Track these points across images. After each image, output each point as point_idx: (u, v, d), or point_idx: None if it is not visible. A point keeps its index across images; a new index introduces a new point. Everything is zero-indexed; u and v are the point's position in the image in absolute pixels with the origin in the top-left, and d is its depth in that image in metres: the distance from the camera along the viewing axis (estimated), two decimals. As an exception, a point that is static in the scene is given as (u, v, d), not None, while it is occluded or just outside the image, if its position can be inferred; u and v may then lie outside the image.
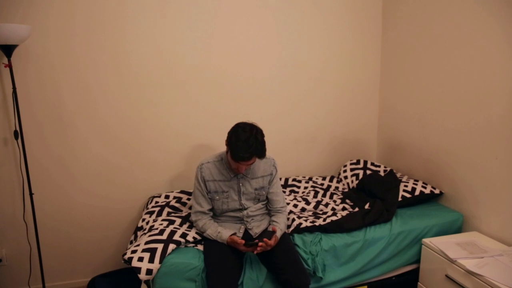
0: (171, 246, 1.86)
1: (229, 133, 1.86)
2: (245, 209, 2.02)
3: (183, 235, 1.96)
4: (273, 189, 2.07)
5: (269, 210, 2.11)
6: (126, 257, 1.81)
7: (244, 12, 2.54)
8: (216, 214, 2.06)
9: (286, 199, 2.43)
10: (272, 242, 1.82)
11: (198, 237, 2.00)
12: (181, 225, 2.08)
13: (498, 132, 2.02)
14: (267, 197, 2.09)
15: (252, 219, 2.05)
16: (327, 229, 2.10)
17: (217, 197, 1.98)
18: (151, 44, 2.41)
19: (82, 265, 2.57)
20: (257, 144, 1.79)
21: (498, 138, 2.02)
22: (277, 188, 2.09)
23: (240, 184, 1.99)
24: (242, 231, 2.01)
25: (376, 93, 3.00)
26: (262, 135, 1.84)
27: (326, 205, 2.42)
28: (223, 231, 1.92)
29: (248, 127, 1.83)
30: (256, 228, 2.04)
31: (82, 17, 2.27)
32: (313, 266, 1.96)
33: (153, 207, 2.35)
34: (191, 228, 2.06)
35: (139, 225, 2.21)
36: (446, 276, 1.90)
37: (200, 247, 1.97)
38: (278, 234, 1.91)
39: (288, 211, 2.29)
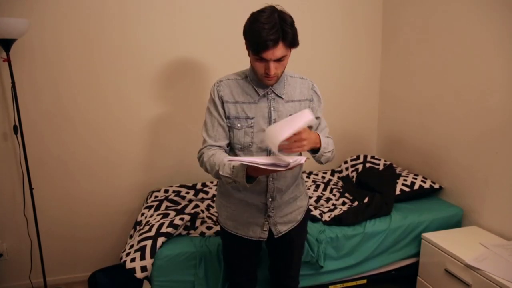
0: (160, 240, 1.87)
1: (246, 23, 1.37)
2: (272, 152, 1.44)
3: (171, 225, 1.95)
4: (320, 116, 1.55)
5: None
6: (122, 261, 1.85)
7: (246, 11, 2.53)
8: (234, 152, 1.51)
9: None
10: (304, 135, 1.27)
11: (187, 218, 2.00)
12: (174, 216, 2.08)
13: (498, 127, 2.01)
14: None
15: (280, 182, 1.50)
16: (329, 222, 2.13)
17: (239, 125, 1.45)
18: (152, 41, 2.40)
19: (83, 259, 2.58)
20: (283, 23, 1.31)
21: (498, 133, 2.01)
22: (321, 116, 1.57)
23: (272, 108, 1.45)
24: (266, 228, 1.55)
25: (376, 86, 2.98)
26: (290, 17, 1.35)
27: (327, 200, 2.42)
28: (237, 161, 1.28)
29: (268, 8, 1.35)
30: (280, 220, 1.55)
31: (80, 11, 2.26)
32: (317, 255, 1.98)
33: (152, 201, 2.35)
34: (180, 214, 2.06)
35: (138, 219, 2.22)
36: (446, 270, 1.91)
37: (194, 233, 1.98)
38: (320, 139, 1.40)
39: None
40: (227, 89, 1.46)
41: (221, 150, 1.46)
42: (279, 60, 1.34)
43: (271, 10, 1.32)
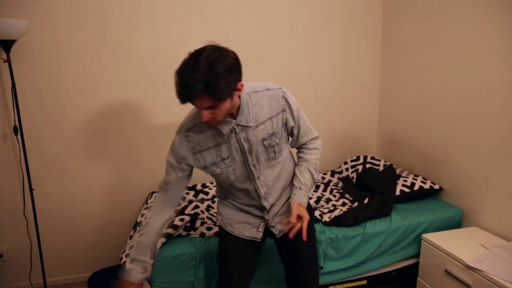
0: (161, 240, 1.87)
1: None
2: (257, 178, 1.45)
3: (171, 225, 1.96)
4: (297, 123, 1.47)
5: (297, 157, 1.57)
6: (121, 261, 1.86)
7: (247, 11, 2.53)
8: (224, 190, 1.56)
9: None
10: (293, 219, 1.36)
11: (187, 218, 2.01)
12: (174, 217, 2.07)
13: (498, 127, 2.01)
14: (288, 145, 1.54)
15: (272, 197, 1.51)
16: (329, 223, 2.13)
17: (218, 170, 1.43)
18: (152, 41, 2.40)
19: (83, 260, 2.58)
20: (210, 73, 1.14)
21: (498, 134, 2.01)
22: (300, 122, 1.48)
23: (242, 140, 1.38)
24: (261, 229, 1.56)
25: (376, 87, 2.98)
26: (226, 64, 1.17)
27: (327, 200, 2.42)
28: (133, 262, 1.49)
29: (198, 52, 1.18)
30: (278, 219, 1.55)
31: (81, 12, 2.26)
32: (317, 255, 1.98)
33: (152, 202, 2.35)
34: (180, 215, 2.07)
35: (138, 220, 2.22)
36: (446, 271, 1.91)
37: (194, 234, 1.98)
38: (299, 198, 1.44)
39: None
40: (196, 138, 1.39)
41: (161, 215, 1.49)
42: (211, 107, 1.21)
43: (198, 56, 1.16)
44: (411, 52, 2.61)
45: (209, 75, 1.14)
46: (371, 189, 2.44)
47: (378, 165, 2.71)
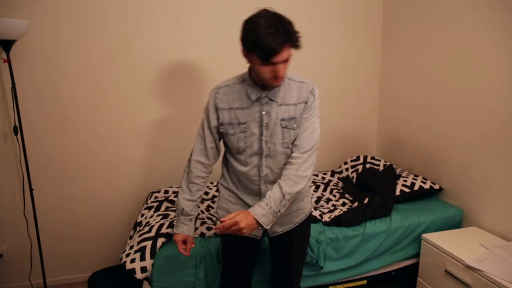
0: (160, 240, 1.87)
1: (243, 31, 1.34)
2: (265, 156, 1.47)
3: (171, 225, 1.96)
4: (303, 122, 1.48)
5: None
6: (121, 261, 1.85)
7: (247, 11, 2.53)
8: (232, 153, 1.55)
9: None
10: (226, 222, 1.31)
11: None
12: (174, 217, 2.08)
13: (498, 127, 2.01)
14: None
15: (272, 185, 1.47)
16: (328, 223, 2.13)
17: (232, 131, 1.47)
18: (152, 41, 2.40)
19: (83, 260, 2.58)
20: (284, 24, 1.29)
21: (498, 134, 2.01)
22: (308, 122, 1.48)
23: (263, 112, 1.45)
24: (261, 227, 1.45)
25: (376, 87, 2.98)
26: (286, 17, 1.33)
27: (327, 200, 2.42)
28: (183, 220, 1.54)
29: (264, 12, 1.32)
30: (277, 221, 1.52)
31: (80, 12, 2.26)
32: (317, 255, 1.98)
33: (152, 202, 2.35)
34: None
35: (138, 220, 2.22)
36: (446, 271, 1.91)
37: (194, 234, 1.98)
38: (259, 213, 1.35)
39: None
40: (224, 96, 1.47)
41: (199, 177, 1.55)
42: (285, 61, 1.35)
43: (269, 14, 1.30)
44: (411, 52, 2.61)
45: (286, 26, 1.29)
46: (371, 189, 2.44)
47: (378, 165, 2.71)
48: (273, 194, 1.38)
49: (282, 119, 1.45)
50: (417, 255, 2.17)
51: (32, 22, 2.17)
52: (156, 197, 2.42)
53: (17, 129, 2.20)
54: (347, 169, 2.82)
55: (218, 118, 1.48)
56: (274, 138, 1.46)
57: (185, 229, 1.56)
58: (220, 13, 2.49)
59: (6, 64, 2.09)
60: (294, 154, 1.46)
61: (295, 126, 1.47)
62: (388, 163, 2.70)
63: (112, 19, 2.31)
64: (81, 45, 2.30)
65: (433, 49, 2.41)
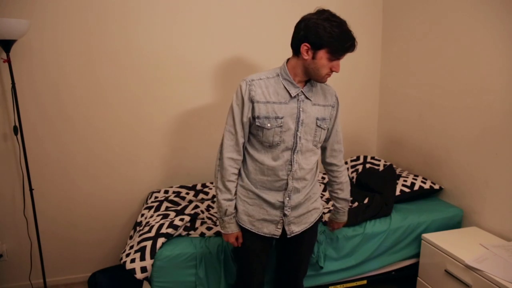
0: (161, 240, 1.87)
1: (311, 27, 1.39)
2: (296, 152, 1.51)
3: (171, 225, 1.96)
4: (334, 126, 1.64)
5: (329, 177, 1.77)
6: (121, 261, 1.85)
7: (247, 11, 2.53)
8: (261, 148, 1.53)
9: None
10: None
11: (187, 218, 2.01)
12: (174, 217, 2.08)
13: (498, 128, 2.01)
14: (323, 148, 1.69)
15: (299, 183, 1.55)
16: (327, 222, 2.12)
17: (268, 125, 1.46)
18: (152, 41, 2.40)
19: (83, 260, 2.58)
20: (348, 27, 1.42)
21: (498, 134, 2.01)
22: (338, 126, 1.66)
23: (301, 109, 1.49)
24: (280, 226, 1.59)
25: (376, 87, 2.98)
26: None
27: (327, 200, 2.42)
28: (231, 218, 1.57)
29: (327, 11, 1.43)
30: (295, 220, 1.59)
31: (81, 12, 2.26)
32: (317, 255, 1.98)
33: (152, 202, 2.35)
34: (180, 215, 2.07)
35: (138, 220, 2.22)
36: (446, 271, 1.91)
37: (194, 234, 1.98)
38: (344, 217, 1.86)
39: None
40: (258, 89, 1.47)
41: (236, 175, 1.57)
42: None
43: (333, 13, 1.42)
44: (411, 52, 2.61)
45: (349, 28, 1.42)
46: (371, 189, 2.44)
47: (378, 165, 2.71)
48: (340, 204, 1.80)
49: (317, 118, 1.52)
50: (417, 255, 2.17)
51: (32, 22, 2.16)
52: (156, 197, 2.42)
53: (17, 129, 2.20)
54: (347, 169, 2.82)
55: (253, 111, 1.47)
56: (307, 135, 1.52)
57: (233, 228, 1.58)
58: (221, 13, 2.49)
59: (6, 64, 2.09)
60: (338, 162, 1.72)
61: (325, 126, 1.56)
62: (388, 163, 2.70)
63: (112, 19, 2.31)
64: (81, 45, 2.30)
65: (433, 48, 2.41)
